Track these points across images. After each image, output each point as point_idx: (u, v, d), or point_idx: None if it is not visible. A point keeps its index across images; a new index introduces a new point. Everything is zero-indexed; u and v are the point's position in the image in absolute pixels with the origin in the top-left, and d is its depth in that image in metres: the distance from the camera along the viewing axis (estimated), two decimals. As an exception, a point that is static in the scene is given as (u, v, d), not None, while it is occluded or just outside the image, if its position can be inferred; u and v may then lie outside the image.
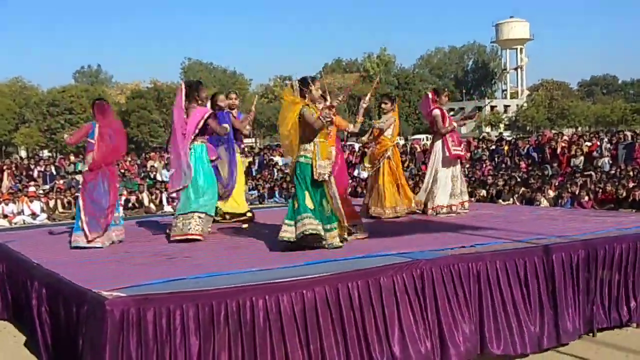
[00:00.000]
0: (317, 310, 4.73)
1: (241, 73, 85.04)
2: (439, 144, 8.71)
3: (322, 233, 6.01)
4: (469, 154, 9.01)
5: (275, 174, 21.08)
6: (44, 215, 18.20)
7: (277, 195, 18.19)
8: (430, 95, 8.88)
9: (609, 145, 18.14)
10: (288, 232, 6.02)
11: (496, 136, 31.96)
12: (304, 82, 6.17)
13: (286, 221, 6.06)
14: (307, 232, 5.93)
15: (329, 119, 6.10)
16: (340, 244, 6.12)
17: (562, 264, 5.75)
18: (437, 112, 8.66)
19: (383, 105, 8.74)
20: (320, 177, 6.08)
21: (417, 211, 8.66)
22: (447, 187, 8.63)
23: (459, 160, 8.83)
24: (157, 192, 18.82)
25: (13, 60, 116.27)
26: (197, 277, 4.93)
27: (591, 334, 5.98)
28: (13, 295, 6.47)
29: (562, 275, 5.74)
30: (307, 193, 6.04)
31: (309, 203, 6.02)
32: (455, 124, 8.81)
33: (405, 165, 14.77)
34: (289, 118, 6.10)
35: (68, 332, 4.73)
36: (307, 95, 6.13)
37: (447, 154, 8.62)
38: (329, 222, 6.11)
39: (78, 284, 4.76)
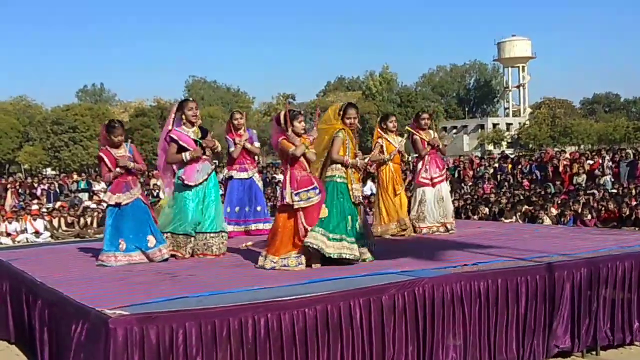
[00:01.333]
0: (318, 329, 4.74)
1: (244, 91, 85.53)
2: (419, 165, 8.85)
3: (358, 255, 6.28)
4: (448, 178, 9.06)
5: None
6: (47, 234, 18.26)
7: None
8: (413, 120, 9.07)
9: (611, 164, 18.17)
10: (331, 248, 6.16)
11: (499, 154, 31.98)
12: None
13: (330, 234, 6.19)
14: (346, 257, 6.19)
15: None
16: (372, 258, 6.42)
17: (564, 282, 5.75)
18: (416, 135, 8.78)
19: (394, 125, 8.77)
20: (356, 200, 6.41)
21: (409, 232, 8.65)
22: (434, 208, 8.68)
23: (446, 181, 8.89)
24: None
25: (17, 79, 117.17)
26: (199, 296, 4.94)
27: (594, 353, 5.96)
28: (15, 315, 6.48)
29: (565, 294, 5.74)
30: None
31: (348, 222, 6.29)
32: (438, 145, 8.82)
33: (407, 182, 14.83)
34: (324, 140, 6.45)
35: (71, 351, 4.73)
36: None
37: (417, 178, 8.80)
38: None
39: (81, 302, 4.76)
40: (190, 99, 7.32)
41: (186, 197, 7.05)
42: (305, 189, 6.15)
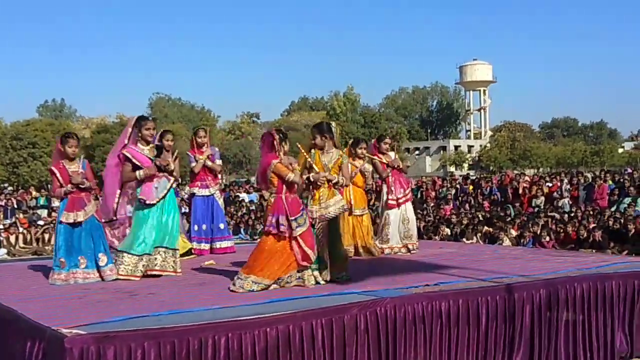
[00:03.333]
0: (279, 349, 4.70)
1: (209, 109, 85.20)
2: (384, 187, 8.87)
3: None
4: (411, 198, 9.02)
5: (241, 210, 21.01)
6: (3, 251, 17.81)
7: (242, 232, 18.11)
8: (373, 142, 9.09)
9: (568, 186, 18.50)
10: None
11: (461, 175, 32.37)
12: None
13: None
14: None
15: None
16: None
17: (524, 303, 5.82)
18: (375, 159, 8.82)
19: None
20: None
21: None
22: (399, 228, 8.70)
23: (409, 202, 8.92)
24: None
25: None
26: (159, 315, 4.86)
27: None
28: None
29: (524, 314, 5.80)
30: None
31: None
32: (399, 166, 8.85)
33: (371, 203, 14.85)
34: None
35: (25, 371, 4.61)
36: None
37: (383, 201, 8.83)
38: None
39: (36, 321, 4.66)
40: (150, 118, 7.18)
41: (144, 215, 6.96)
42: (300, 214, 6.07)
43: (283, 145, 6.13)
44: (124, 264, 6.83)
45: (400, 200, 8.75)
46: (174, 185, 7.29)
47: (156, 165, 6.98)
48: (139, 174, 6.92)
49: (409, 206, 8.89)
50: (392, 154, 8.95)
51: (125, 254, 6.86)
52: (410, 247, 8.72)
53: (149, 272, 6.88)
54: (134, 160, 6.94)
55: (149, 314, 4.86)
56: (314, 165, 6.57)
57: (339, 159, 6.74)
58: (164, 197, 7.03)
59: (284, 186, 6.07)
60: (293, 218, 6.02)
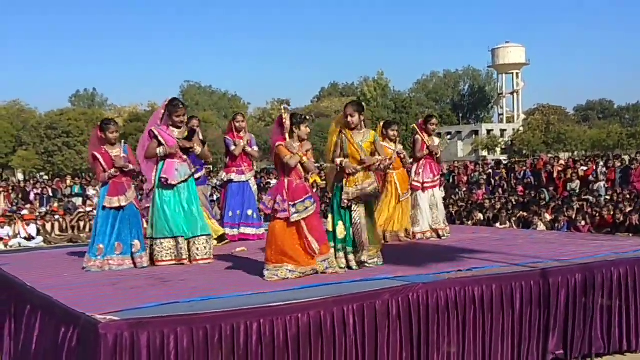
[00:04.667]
0: (311, 335, 4.70)
1: (239, 96, 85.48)
2: (413, 168, 8.72)
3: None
4: (442, 184, 8.84)
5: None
6: (39, 238, 18.14)
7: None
8: (420, 121, 8.91)
9: (604, 170, 18.18)
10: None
11: (493, 160, 32.02)
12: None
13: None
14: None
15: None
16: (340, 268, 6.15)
17: (559, 288, 5.72)
18: (419, 137, 8.71)
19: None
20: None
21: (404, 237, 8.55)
22: (428, 212, 8.61)
23: (439, 187, 8.76)
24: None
25: (11, 83, 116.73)
26: (191, 301, 4.89)
27: (589, 360, 5.94)
28: (3, 321, 6.38)
29: (559, 300, 5.71)
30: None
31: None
32: (436, 153, 8.73)
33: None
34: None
35: (60, 357, 4.67)
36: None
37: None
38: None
39: (72, 308, 4.71)
40: (181, 104, 7.15)
41: (165, 199, 6.97)
42: (301, 199, 5.89)
43: (297, 129, 6.02)
44: (164, 250, 6.93)
45: (427, 185, 8.63)
46: (203, 173, 7.27)
47: (179, 145, 6.99)
48: (159, 150, 6.93)
49: (437, 192, 8.77)
50: (436, 140, 8.84)
51: (160, 240, 6.94)
52: (440, 232, 8.64)
53: (193, 262, 6.95)
54: (159, 138, 6.96)
55: (181, 300, 4.89)
56: (349, 145, 6.34)
57: (371, 138, 6.50)
58: (185, 181, 7.02)
59: (285, 169, 5.98)
60: (292, 203, 5.87)
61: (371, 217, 6.46)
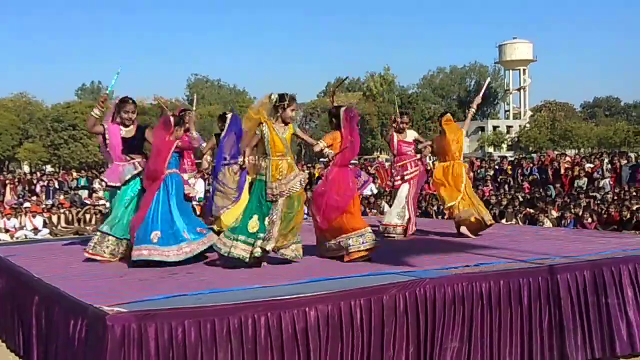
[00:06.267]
0: (319, 329, 4.69)
1: (246, 91, 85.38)
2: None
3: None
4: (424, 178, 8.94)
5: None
6: (46, 231, 18.20)
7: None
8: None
9: (609, 166, 18.11)
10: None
11: (499, 156, 31.95)
12: (281, 99, 6.19)
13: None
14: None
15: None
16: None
17: (568, 284, 5.70)
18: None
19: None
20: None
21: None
22: (398, 207, 8.60)
23: (413, 183, 8.71)
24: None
25: (18, 76, 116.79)
26: (199, 294, 4.90)
27: None
28: (10, 312, 6.41)
29: (568, 297, 5.69)
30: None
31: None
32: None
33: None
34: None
35: (67, 348, 4.68)
36: (279, 112, 6.16)
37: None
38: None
39: (79, 299, 4.72)
40: (131, 100, 6.95)
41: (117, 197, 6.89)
42: None
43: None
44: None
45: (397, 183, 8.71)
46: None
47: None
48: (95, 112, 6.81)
49: (409, 187, 8.72)
50: (409, 133, 8.92)
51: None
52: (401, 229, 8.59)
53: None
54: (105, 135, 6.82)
55: (189, 293, 4.90)
56: (272, 138, 6.24)
57: (291, 130, 6.37)
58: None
59: None
60: None
61: (291, 209, 6.29)
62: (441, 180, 8.49)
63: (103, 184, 6.78)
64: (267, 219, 6.20)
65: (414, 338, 5.10)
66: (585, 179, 17.49)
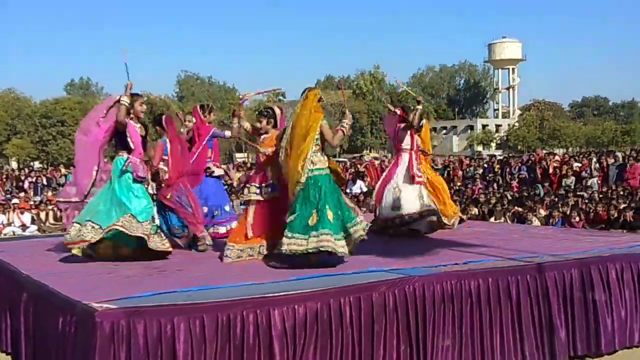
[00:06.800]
0: (307, 326, 4.70)
1: (236, 88, 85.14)
2: None
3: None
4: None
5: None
6: (34, 227, 18.09)
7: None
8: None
9: (597, 166, 18.19)
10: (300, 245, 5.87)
11: (488, 155, 32.08)
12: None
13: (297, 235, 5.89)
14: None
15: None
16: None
17: (556, 282, 5.73)
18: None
19: None
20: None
21: None
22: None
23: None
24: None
25: (6, 71, 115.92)
26: (188, 290, 4.89)
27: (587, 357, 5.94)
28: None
29: (556, 294, 5.72)
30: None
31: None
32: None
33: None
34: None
35: (56, 345, 4.67)
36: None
37: None
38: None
39: (68, 295, 4.70)
40: (143, 95, 6.87)
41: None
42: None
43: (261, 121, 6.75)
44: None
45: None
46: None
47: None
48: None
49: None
50: None
51: None
52: None
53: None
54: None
55: (178, 290, 4.89)
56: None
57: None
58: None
59: None
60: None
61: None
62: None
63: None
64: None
65: (405, 336, 5.12)
66: (573, 178, 17.56)
